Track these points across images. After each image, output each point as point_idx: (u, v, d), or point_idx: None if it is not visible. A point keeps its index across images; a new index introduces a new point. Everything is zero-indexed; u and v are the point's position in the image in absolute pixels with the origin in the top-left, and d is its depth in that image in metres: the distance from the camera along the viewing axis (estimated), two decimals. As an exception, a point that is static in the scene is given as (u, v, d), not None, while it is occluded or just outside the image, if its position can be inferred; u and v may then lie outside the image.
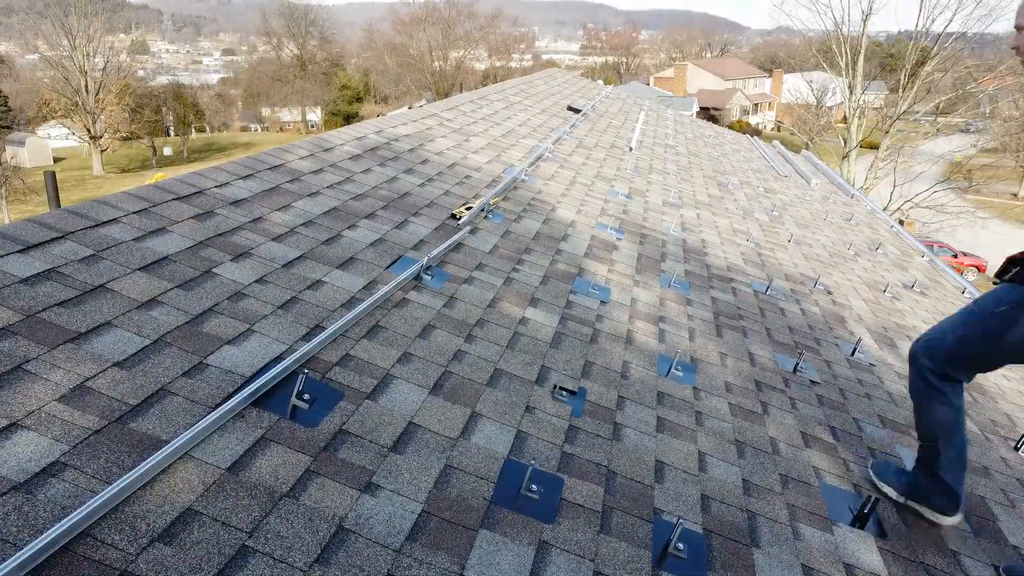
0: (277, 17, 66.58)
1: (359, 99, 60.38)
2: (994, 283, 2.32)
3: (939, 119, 31.34)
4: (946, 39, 26.09)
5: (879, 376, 3.67)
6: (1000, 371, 4.42)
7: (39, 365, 1.82)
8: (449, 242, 3.44)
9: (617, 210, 5.20)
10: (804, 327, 4.07)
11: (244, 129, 61.12)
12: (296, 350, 2.25)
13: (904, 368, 3.92)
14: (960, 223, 24.36)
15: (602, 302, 3.44)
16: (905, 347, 4.27)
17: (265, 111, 60.57)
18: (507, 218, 4.21)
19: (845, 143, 27.74)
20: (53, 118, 42.82)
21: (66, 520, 1.38)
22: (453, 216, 3.20)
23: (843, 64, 27.35)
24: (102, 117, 38.93)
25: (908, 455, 2.86)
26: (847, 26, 27.54)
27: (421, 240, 3.48)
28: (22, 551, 1.29)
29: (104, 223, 2.64)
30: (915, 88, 26.45)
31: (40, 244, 2.36)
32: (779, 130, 51.74)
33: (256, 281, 2.61)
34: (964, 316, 2.34)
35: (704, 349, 3.30)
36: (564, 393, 2.48)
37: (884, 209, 19.35)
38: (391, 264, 3.12)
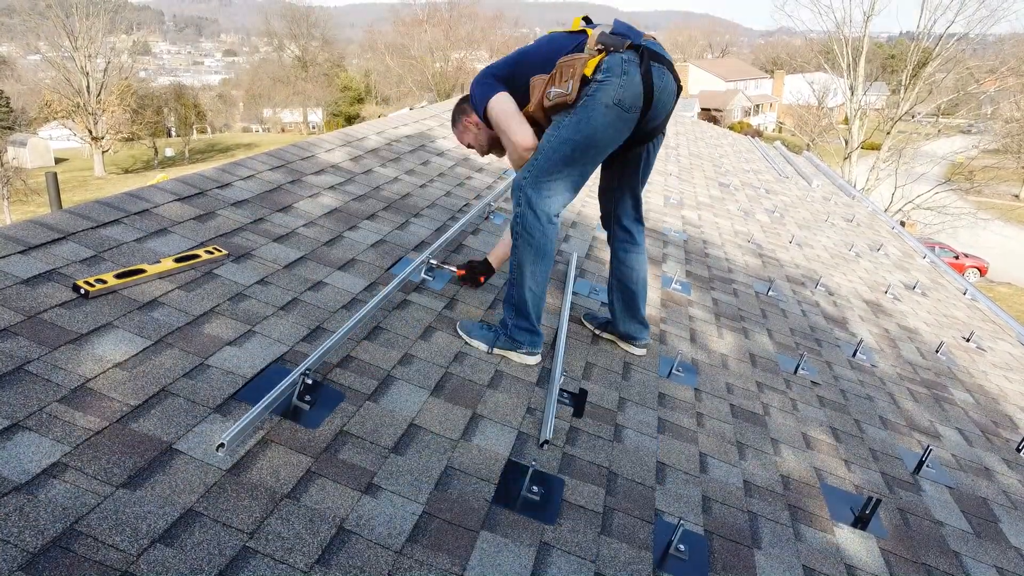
0: (279, 18, 66.64)
1: (360, 100, 60.40)
2: None
3: (940, 120, 31.33)
4: (948, 40, 26.09)
5: (880, 377, 3.67)
6: (1001, 373, 4.41)
7: (40, 366, 1.82)
8: (442, 239, 3.44)
9: (618, 211, 5.20)
10: (805, 328, 4.07)
11: (246, 130, 61.19)
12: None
13: (905, 369, 3.91)
14: (961, 224, 24.34)
15: (603, 303, 3.44)
16: (907, 348, 4.27)
17: (267, 112, 60.63)
18: (508, 219, 4.21)
19: (846, 144, 27.74)
20: (55, 119, 42.84)
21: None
22: None
23: (844, 65, 27.35)
24: (103, 118, 38.95)
25: (910, 456, 2.86)
26: (849, 27, 27.57)
27: (422, 241, 3.48)
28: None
29: (105, 224, 2.64)
30: (916, 89, 26.45)
31: (42, 245, 2.36)
32: (780, 131, 51.74)
33: (257, 282, 2.61)
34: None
35: (705, 350, 3.30)
36: (565, 394, 2.48)
37: (885, 210, 19.35)
38: (392, 265, 3.12)
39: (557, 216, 2.49)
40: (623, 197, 2.77)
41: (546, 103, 2.40)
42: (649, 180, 6.74)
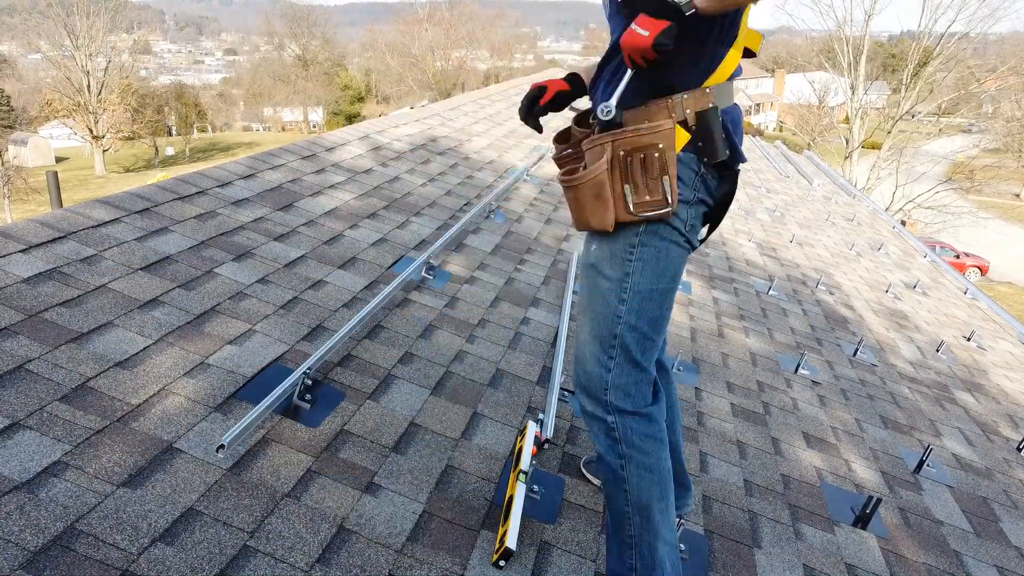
0: (279, 17, 66.63)
1: (361, 99, 60.37)
2: None
3: (941, 119, 31.30)
4: (948, 39, 26.06)
5: (881, 377, 3.67)
6: (1001, 372, 4.41)
7: (41, 365, 1.82)
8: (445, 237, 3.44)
9: (619, 210, 5.19)
10: (806, 327, 4.07)
11: (246, 129, 61.15)
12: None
13: (906, 367, 3.91)
14: (962, 223, 24.31)
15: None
16: (908, 347, 4.27)
17: (267, 111, 60.63)
18: (509, 218, 4.21)
19: (847, 143, 27.71)
20: (55, 118, 42.85)
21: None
22: None
23: (845, 64, 27.33)
24: (104, 117, 38.96)
25: (911, 455, 2.86)
26: (849, 26, 27.53)
27: (423, 240, 3.48)
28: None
29: (106, 223, 2.64)
30: (917, 88, 26.42)
31: (42, 244, 2.36)
32: (781, 130, 51.71)
33: (258, 281, 2.61)
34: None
35: (706, 349, 3.29)
36: (566, 393, 2.47)
37: (886, 209, 19.35)
38: (393, 264, 3.12)
39: (652, 390, 1.60)
40: None
41: (624, 216, 1.47)
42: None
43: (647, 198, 1.44)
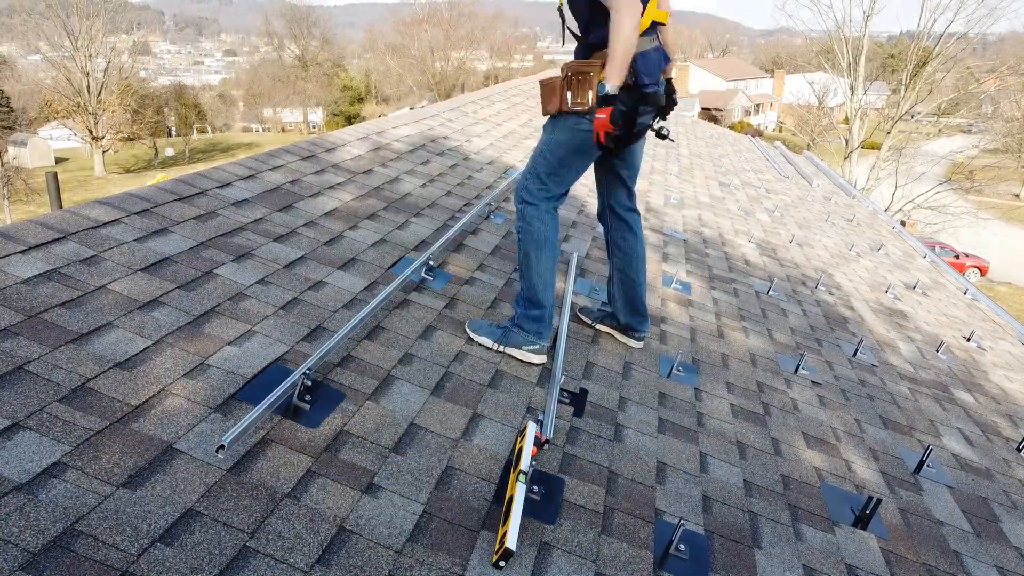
0: (279, 18, 66.69)
1: (361, 100, 60.38)
2: None
3: (941, 120, 31.33)
4: (948, 39, 26.08)
5: (881, 377, 3.67)
6: (1002, 373, 4.41)
7: (40, 365, 1.82)
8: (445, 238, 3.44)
9: (618, 211, 5.19)
10: (806, 328, 4.07)
11: (246, 130, 61.16)
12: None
13: (906, 367, 3.91)
14: (962, 224, 24.33)
15: (604, 303, 3.44)
16: (908, 347, 4.27)
17: (267, 112, 60.65)
18: (509, 219, 4.21)
19: (847, 144, 27.73)
20: (55, 119, 42.94)
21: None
22: None
23: (845, 65, 27.34)
24: (104, 118, 38.99)
25: (911, 456, 2.86)
26: (849, 26, 27.56)
27: (423, 240, 3.48)
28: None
29: (105, 224, 2.64)
30: (917, 89, 26.43)
31: (42, 245, 2.36)
32: (781, 131, 51.74)
33: (257, 282, 2.61)
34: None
35: (705, 350, 3.29)
36: (565, 394, 2.47)
37: (886, 210, 19.34)
38: (392, 265, 3.12)
39: (555, 208, 2.65)
40: (615, 186, 2.83)
41: (564, 108, 2.50)
42: (651, 180, 6.68)
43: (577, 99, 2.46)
